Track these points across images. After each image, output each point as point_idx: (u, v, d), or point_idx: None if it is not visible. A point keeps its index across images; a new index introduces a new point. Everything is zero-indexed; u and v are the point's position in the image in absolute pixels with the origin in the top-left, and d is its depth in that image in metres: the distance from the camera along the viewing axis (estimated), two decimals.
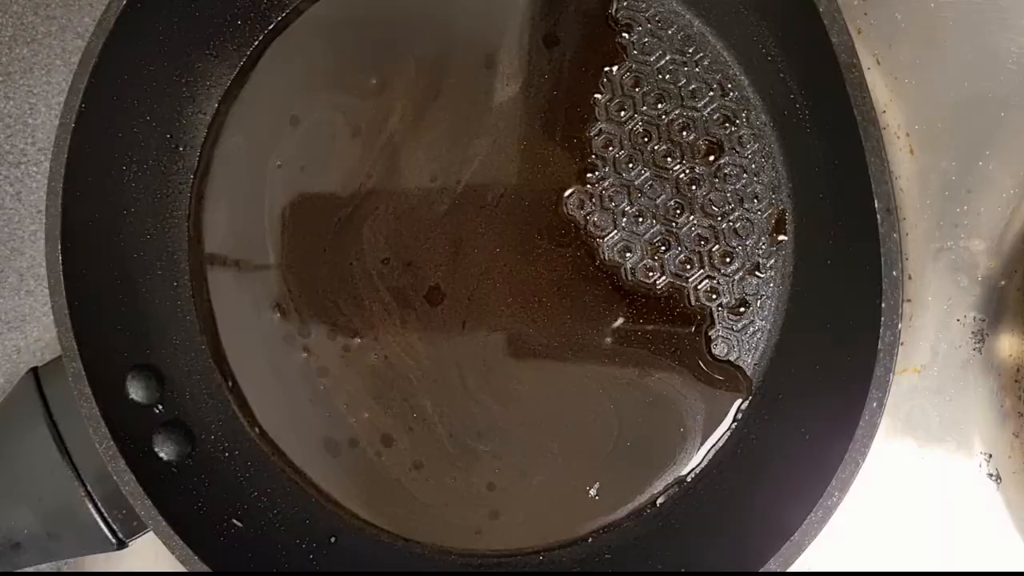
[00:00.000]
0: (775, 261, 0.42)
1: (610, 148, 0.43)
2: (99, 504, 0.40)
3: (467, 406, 0.44)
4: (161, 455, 0.41)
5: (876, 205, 0.33)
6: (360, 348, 0.44)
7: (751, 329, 0.42)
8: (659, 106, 0.43)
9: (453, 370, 0.44)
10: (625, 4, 0.43)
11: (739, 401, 0.42)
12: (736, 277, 0.42)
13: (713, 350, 0.42)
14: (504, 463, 0.43)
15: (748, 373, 0.42)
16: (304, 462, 0.45)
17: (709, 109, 0.42)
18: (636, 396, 0.42)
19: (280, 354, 0.45)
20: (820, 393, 0.38)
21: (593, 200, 0.43)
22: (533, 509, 0.43)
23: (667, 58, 0.43)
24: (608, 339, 0.43)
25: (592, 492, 0.43)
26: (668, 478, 0.42)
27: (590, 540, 0.42)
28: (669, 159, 0.43)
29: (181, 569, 0.37)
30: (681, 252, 0.42)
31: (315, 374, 0.45)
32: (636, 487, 0.42)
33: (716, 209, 0.42)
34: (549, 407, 0.43)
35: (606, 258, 0.43)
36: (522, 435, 0.43)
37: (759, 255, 0.42)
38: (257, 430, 0.45)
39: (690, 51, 0.42)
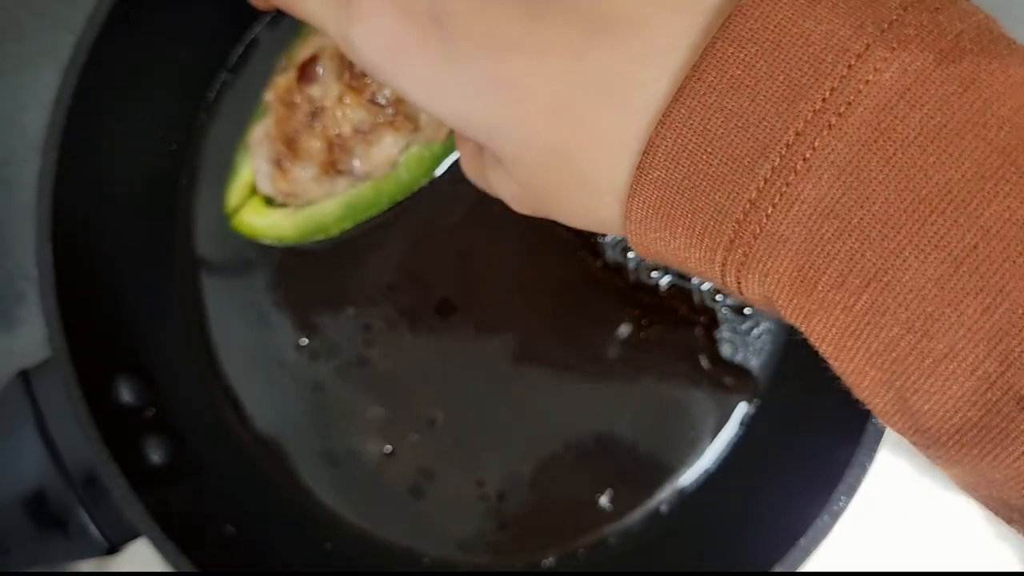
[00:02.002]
0: None
1: None
2: (90, 508, 0.40)
3: (477, 416, 0.43)
4: (153, 459, 0.40)
5: None
6: (364, 358, 0.44)
7: (757, 330, 0.41)
8: None
9: (463, 380, 0.43)
10: None
11: (745, 404, 0.41)
12: None
13: (719, 352, 0.42)
14: (514, 472, 0.42)
15: (754, 375, 0.41)
16: (302, 471, 0.44)
17: None
18: (644, 400, 0.42)
19: (276, 360, 0.44)
20: (827, 396, 0.37)
21: None
22: (543, 518, 0.42)
23: None
24: (615, 342, 0.42)
25: (603, 500, 0.42)
26: (675, 483, 0.42)
27: (593, 546, 0.42)
28: None
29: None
30: None
31: (315, 381, 0.44)
32: (646, 493, 0.42)
33: None
34: (559, 414, 0.42)
35: (608, 258, 0.42)
36: (533, 444, 0.42)
37: None
38: (251, 436, 0.44)
39: None
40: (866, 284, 0.19)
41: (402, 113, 0.39)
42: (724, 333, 0.42)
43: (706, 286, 0.42)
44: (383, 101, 0.39)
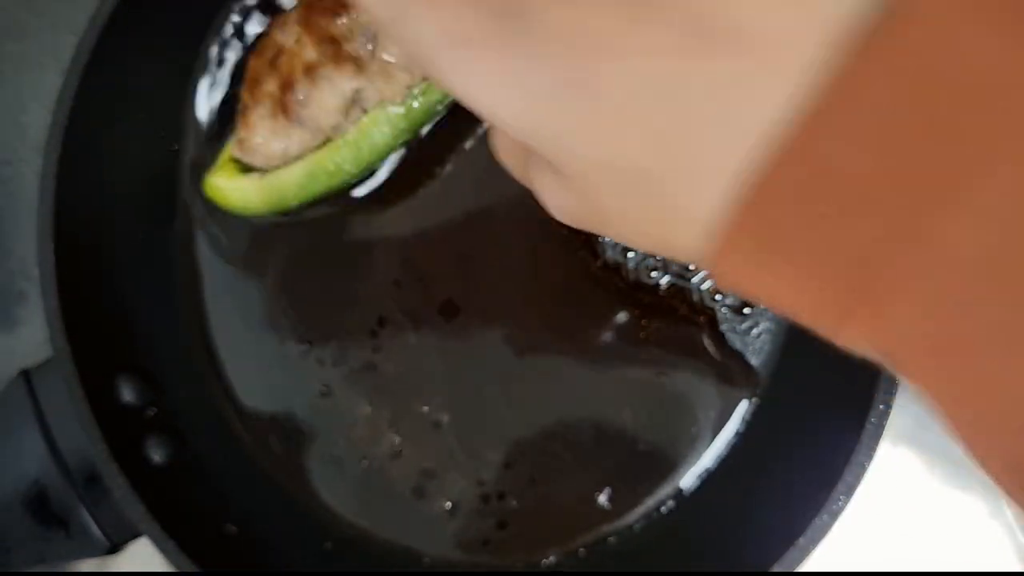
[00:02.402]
0: None
1: None
2: (91, 507, 0.40)
3: (479, 416, 0.43)
4: (154, 458, 0.41)
5: None
6: (367, 360, 0.44)
7: (756, 330, 0.41)
8: None
9: (466, 381, 0.43)
10: None
11: (745, 402, 0.41)
12: None
13: (719, 351, 0.42)
14: (515, 472, 0.42)
15: (754, 374, 0.41)
16: (303, 471, 0.44)
17: None
18: (644, 399, 0.42)
19: (278, 361, 0.44)
20: (826, 395, 0.37)
21: None
22: (543, 517, 0.42)
23: None
24: (615, 342, 0.42)
25: (602, 499, 0.42)
26: (675, 483, 0.42)
27: (593, 545, 0.42)
28: None
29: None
30: None
31: (316, 382, 0.44)
32: (646, 492, 0.42)
33: None
34: (559, 413, 0.42)
35: (608, 258, 0.42)
36: (535, 443, 0.42)
37: None
38: (252, 436, 0.44)
39: None
40: (1012, 349, 0.16)
41: (344, 51, 0.39)
42: (724, 332, 0.42)
43: (705, 285, 0.42)
44: (329, 39, 0.39)
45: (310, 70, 0.39)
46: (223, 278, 0.45)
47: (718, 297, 0.42)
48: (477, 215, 0.43)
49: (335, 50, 0.39)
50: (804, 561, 0.34)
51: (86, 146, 0.40)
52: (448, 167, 0.44)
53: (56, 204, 0.39)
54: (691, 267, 0.42)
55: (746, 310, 0.42)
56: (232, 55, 0.46)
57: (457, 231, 0.44)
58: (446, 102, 0.42)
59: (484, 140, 0.43)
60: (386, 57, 0.40)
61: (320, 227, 0.44)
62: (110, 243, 0.42)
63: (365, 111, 0.42)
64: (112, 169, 0.42)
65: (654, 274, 0.42)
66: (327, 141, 0.42)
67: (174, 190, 0.46)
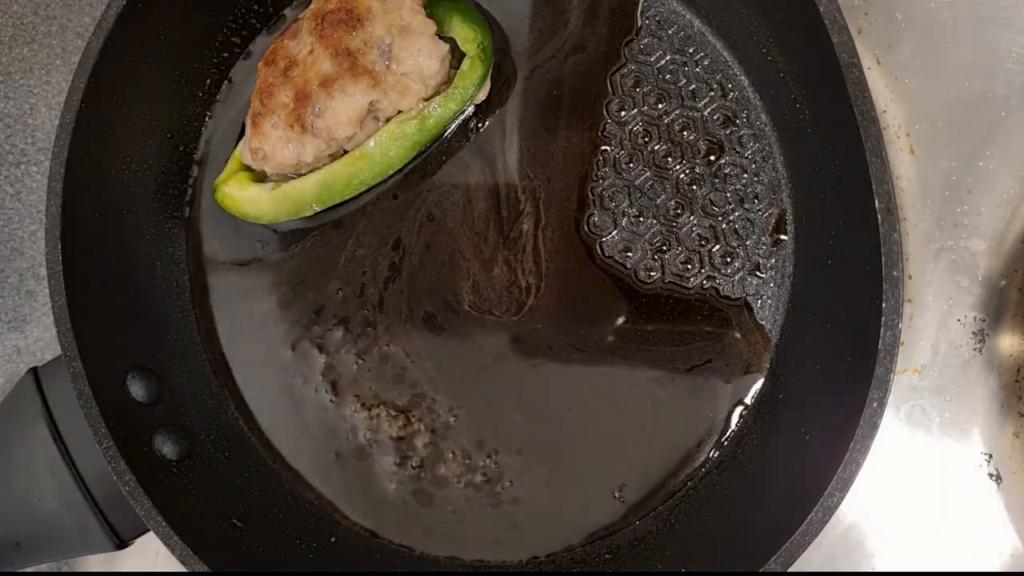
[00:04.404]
0: (775, 261, 0.42)
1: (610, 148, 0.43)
2: (99, 504, 0.40)
3: (492, 418, 0.43)
4: (161, 454, 0.41)
5: (876, 205, 0.33)
6: (375, 358, 0.44)
7: (752, 329, 0.42)
8: (659, 106, 0.43)
9: (477, 384, 0.43)
10: None
11: (741, 401, 0.42)
12: (736, 277, 0.42)
13: (714, 349, 0.42)
14: (529, 476, 0.43)
15: (749, 372, 0.42)
16: (307, 469, 0.44)
17: (709, 109, 0.42)
18: (646, 398, 0.42)
19: (283, 359, 0.45)
20: (820, 393, 0.38)
21: (593, 200, 0.43)
22: (555, 517, 0.43)
23: (667, 58, 0.43)
24: (612, 340, 0.42)
25: (611, 498, 0.42)
26: (676, 479, 0.42)
27: (598, 542, 0.42)
28: (669, 159, 0.43)
29: (181, 569, 0.37)
30: (681, 252, 0.42)
31: (322, 381, 0.44)
32: (649, 490, 0.42)
33: (716, 209, 0.42)
34: (572, 415, 0.43)
35: (606, 258, 0.43)
36: (547, 446, 0.43)
37: (759, 255, 0.42)
38: (257, 434, 0.45)
39: (690, 51, 0.42)
40: None
41: (361, 65, 0.40)
42: (720, 331, 0.42)
43: (698, 283, 0.42)
44: (345, 52, 0.40)
45: (326, 82, 0.40)
46: (230, 277, 0.46)
47: (712, 295, 0.42)
48: (482, 218, 0.44)
49: (351, 63, 0.40)
50: (800, 556, 0.34)
51: (94, 148, 0.41)
52: (454, 167, 0.44)
53: (64, 205, 0.39)
54: (688, 267, 0.42)
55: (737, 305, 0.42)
56: (239, 60, 0.46)
57: (463, 234, 0.44)
58: (461, 114, 0.43)
59: (494, 140, 0.44)
60: (401, 70, 0.40)
61: (326, 226, 0.45)
62: (117, 243, 0.43)
63: (379, 122, 0.42)
64: (119, 170, 0.43)
65: (652, 274, 0.42)
66: (340, 151, 0.43)
67: (182, 191, 0.46)
